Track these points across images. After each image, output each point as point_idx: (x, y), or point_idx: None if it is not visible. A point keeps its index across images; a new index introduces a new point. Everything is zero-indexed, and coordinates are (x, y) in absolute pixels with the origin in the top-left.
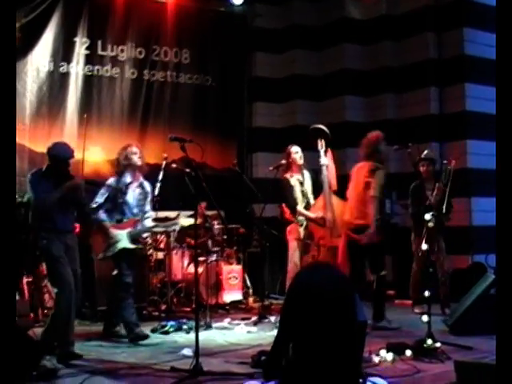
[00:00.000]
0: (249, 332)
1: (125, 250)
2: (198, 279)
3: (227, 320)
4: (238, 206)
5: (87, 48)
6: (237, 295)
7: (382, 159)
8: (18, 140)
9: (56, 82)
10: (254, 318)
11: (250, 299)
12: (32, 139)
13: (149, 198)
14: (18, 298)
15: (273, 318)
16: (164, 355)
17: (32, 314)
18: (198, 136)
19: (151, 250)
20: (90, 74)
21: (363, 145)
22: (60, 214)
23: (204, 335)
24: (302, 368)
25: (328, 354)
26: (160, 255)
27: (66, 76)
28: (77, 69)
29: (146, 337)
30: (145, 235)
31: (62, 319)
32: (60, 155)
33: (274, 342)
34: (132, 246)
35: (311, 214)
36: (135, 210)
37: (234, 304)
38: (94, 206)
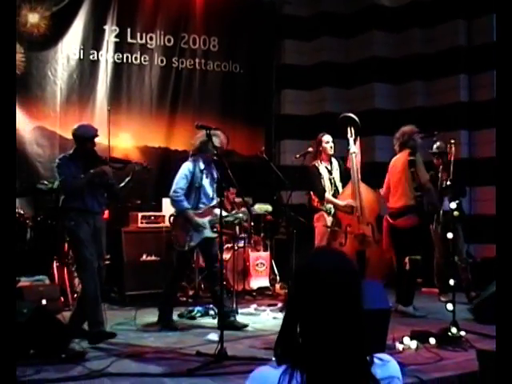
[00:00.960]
0: (274, 318)
1: (206, 239)
2: (225, 266)
3: (253, 306)
4: (265, 193)
5: (116, 36)
6: (264, 282)
7: (416, 151)
8: (49, 127)
9: (86, 70)
10: (280, 305)
11: (277, 286)
12: (63, 126)
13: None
14: (48, 282)
15: None
16: (190, 340)
17: (62, 298)
18: (226, 123)
19: None
20: (119, 61)
21: (397, 137)
22: (89, 195)
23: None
24: (310, 351)
25: (334, 336)
26: None
27: (95, 64)
28: (106, 56)
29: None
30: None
31: (90, 301)
32: (84, 134)
33: (282, 325)
34: (214, 235)
35: (340, 202)
36: (211, 196)
37: (261, 290)
38: (179, 192)
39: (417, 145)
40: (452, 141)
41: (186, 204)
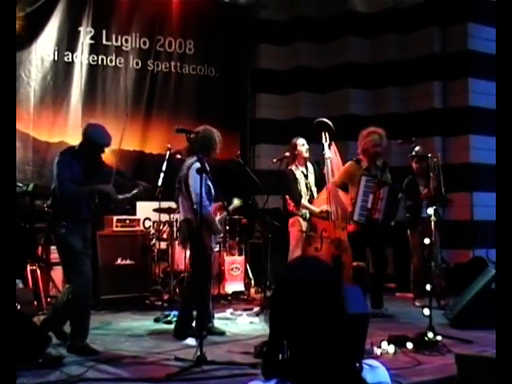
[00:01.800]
0: (251, 323)
1: None
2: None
3: (229, 310)
4: (240, 197)
5: (92, 37)
6: (239, 286)
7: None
8: (22, 129)
9: (60, 72)
10: (256, 309)
11: (252, 290)
12: (36, 128)
13: None
14: (21, 286)
15: None
16: (167, 345)
17: (35, 302)
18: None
19: (154, 240)
20: (94, 63)
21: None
22: (83, 201)
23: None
24: (298, 363)
25: (321, 346)
26: (163, 245)
27: (70, 65)
28: (81, 58)
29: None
30: None
31: (79, 313)
32: (97, 141)
33: (268, 337)
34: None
35: (315, 208)
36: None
37: (236, 295)
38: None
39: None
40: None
41: (209, 207)
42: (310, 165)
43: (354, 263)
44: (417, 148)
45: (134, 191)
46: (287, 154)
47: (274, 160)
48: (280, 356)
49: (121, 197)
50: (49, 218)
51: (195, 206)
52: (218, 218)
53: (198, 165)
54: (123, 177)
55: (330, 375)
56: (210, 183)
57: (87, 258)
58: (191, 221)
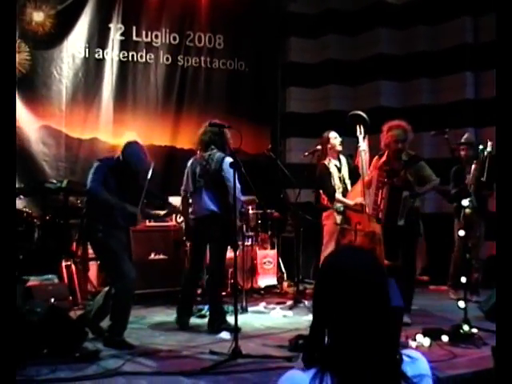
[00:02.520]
0: (284, 316)
1: None
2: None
3: (262, 304)
4: (271, 191)
5: (122, 34)
6: (271, 280)
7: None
8: (54, 126)
9: (91, 68)
10: (290, 303)
11: (285, 284)
12: (68, 125)
13: None
14: (56, 281)
15: (307, 303)
16: (202, 338)
17: (71, 297)
18: (231, 121)
19: None
20: (124, 59)
21: None
22: (119, 213)
23: (241, 319)
24: (339, 353)
25: (364, 336)
26: None
27: (101, 62)
28: (112, 55)
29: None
30: None
31: (122, 312)
32: (133, 164)
33: (310, 326)
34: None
35: (350, 202)
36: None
37: (269, 288)
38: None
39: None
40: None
41: None
42: (343, 158)
43: (387, 262)
44: (466, 135)
45: (164, 212)
46: (318, 147)
47: (306, 153)
48: (321, 345)
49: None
50: (85, 224)
51: (231, 200)
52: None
53: (230, 159)
54: (153, 196)
55: (371, 366)
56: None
57: (128, 259)
58: (221, 214)
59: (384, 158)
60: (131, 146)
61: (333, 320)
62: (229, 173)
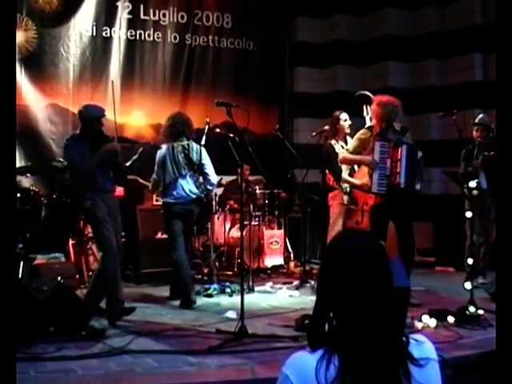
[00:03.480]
0: (291, 296)
1: None
2: (239, 243)
3: (269, 284)
4: (279, 172)
5: (129, 12)
6: (278, 260)
7: None
8: (61, 104)
9: (99, 47)
10: (296, 283)
11: (291, 264)
12: (75, 103)
13: None
14: (63, 259)
15: (314, 283)
16: (208, 317)
17: (77, 276)
18: (239, 101)
19: None
20: (132, 38)
21: None
22: (100, 175)
23: (247, 298)
24: (346, 334)
25: (368, 317)
26: None
27: (108, 40)
28: (119, 33)
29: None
30: None
31: (110, 280)
32: (91, 115)
33: (314, 308)
34: None
35: (356, 181)
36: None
37: (275, 268)
38: None
39: None
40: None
41: None
42: (349, 138)
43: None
44: (480, 116)
45: (137, 155)
46: (326, 127)
47: (314, 134)
48: (326, 327)
49: (128, 163)
50: (74, 195)
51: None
52: None
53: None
54: (126, 142)
55: (378, 348)
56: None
57: (111, 227)
58: (201, 198)
59: (377, 131)
60: (83, 106)
61: (337, 302)
62: (207, 161)
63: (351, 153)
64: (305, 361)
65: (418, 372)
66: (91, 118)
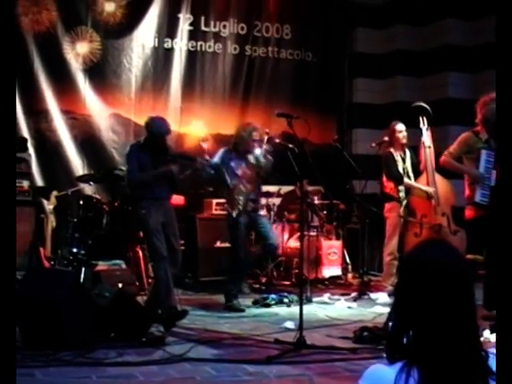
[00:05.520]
0: (349, 308)
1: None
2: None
3: (327, 295)
4: (337, 182)
5: (191, 24)
6: (336, 271)
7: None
8: (124, 114)
9: (160, 58)
10: (354, 294)
11: (349, 275)
12: (137, 113)
13: None
14: (124, 266)
15: (372, 295)
16: (266, 327)
17: (137, 283)
18: (297, 111)
19: None
20: (193, 49)
21: None
22: (156, 183)
23: (305, 309)
24: (426, 347)
25: (450, 331)
26: None
27: (169, 52)
28: (180, 44)
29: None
30: None
31: (162, 288)
32: (157, 132)
33: (392, 321)
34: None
35: (421, 186)
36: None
37: (333, 279)
38: None
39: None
40: None
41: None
42: (407, 151)
43: (469, 256)
44: None
45: (190, 170)
46: (386, 138)
47: (373, 144)
48: (403, 341)
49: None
50: (131, 203)
51: None
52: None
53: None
54: (186, 159)
55: (458, 362)
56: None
57: (162, 236)
58: None
59: (486, 137)
60: (151, 118)
61: (417, 315)
62: None
63: (454, 157)
64: (383, 373)
65: None
66: (156, 134)
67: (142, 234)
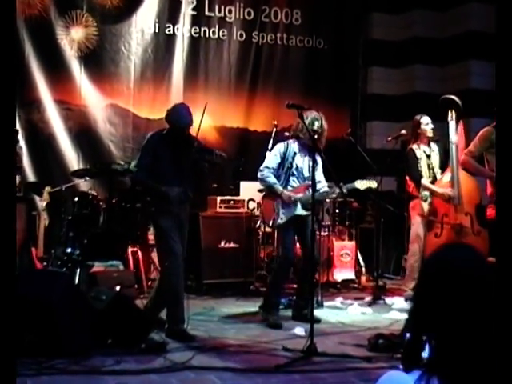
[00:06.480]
0: (363, 313)
1: (298, 217)
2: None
3: (339, 299)
4: (350, 179)
5: (193, 8)
6: (349, 273)
7: None
8: (122, 105)
9: (161, 44)
10: (368, 299)
11: (363, 278)
12: (136, 104)
13: (320, 169)
14: (122, 268)
15: (388, 300)
16: (274, 333)
17: (136, 285)
18: (308, 103)
19: (259, 223)
20: (196, 35)
21: None
22: (175, 183)
23: (316, 314)
24: (446, 356)
25: (472, 339)
26: (268, 228)
27: (171, 38)
28: (183, 30)
29: None
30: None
31: (171, 295)
32: (177, 123)
33: (409, 328)
34: (306, 213)
35: (437, 189)
36: (306, 175)
37: (346, 283)
38: (265, 170)
39: None
40: None
41: (273, 179)
42: (434, 145)
43: (491, 259)
44: None
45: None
46: (403, 131)
47: (389, 138)
48: (421, 349)
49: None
50: (142, 198)
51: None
52: (300, 195)
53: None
54: (207, 152)
55: (481, 370)
56: (296, 163)
57: (177, 237)
58: None
59: None
60: (172, 108)
61: (438, 322)
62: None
63: (474, 156)
64: (401, 380)
65: None
66: (177, 125)
67: (150, 233)
